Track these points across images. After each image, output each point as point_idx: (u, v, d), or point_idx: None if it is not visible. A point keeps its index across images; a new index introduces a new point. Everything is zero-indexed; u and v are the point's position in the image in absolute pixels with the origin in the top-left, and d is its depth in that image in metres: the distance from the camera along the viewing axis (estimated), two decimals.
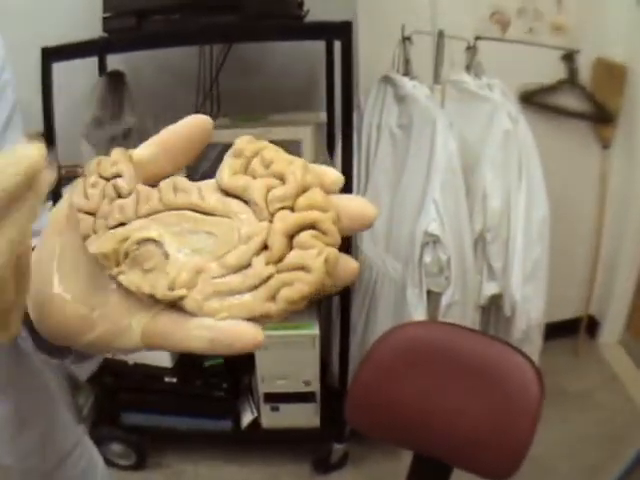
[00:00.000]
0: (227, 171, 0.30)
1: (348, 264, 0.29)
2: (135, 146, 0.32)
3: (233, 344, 0.28)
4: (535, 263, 1.72)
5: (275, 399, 1.82)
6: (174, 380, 1.80)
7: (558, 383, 2.11)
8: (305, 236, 0.28)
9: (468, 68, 1.77)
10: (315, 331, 1.73)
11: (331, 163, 1.69)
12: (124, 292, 0.30)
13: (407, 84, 1.68)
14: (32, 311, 0.35)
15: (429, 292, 1.68)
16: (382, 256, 1.77)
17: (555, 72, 2.11)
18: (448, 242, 1.62)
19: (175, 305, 0.29)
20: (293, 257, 0.28)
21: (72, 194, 0.31)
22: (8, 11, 1.73)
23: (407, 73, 1.73)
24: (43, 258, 0.33)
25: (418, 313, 1.67)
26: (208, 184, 0.30)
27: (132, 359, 1.77)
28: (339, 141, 1.63)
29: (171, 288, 0.28)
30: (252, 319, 0.28)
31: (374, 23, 1.77)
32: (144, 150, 0.31)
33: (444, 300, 1.67)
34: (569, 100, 2.14)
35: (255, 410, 1.87)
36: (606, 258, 2.34)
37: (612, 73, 2.11)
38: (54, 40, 1.45)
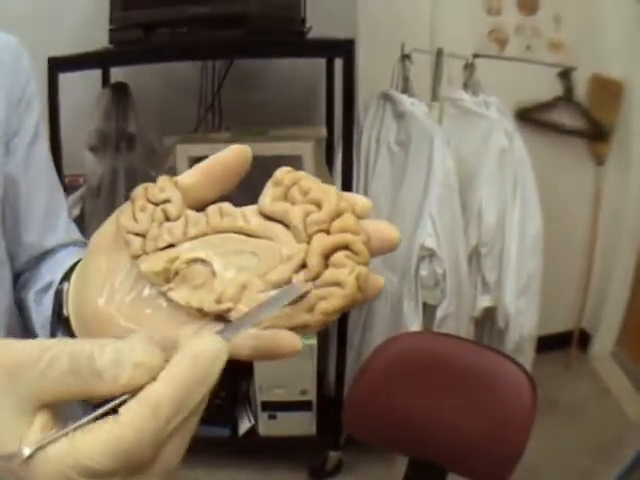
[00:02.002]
0: (269, 198, 0.33)
1: (376, 281, 0.33)
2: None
3: (274, 351, 0.31)
4: (529, 277, 1.76)
5: (272, 407, 1.84)
6: None
7: (550, 395, 2.13)
8: (339, 256, 0.31)
9: (466, 86, 1.80)
10: (313, 341, 1.75)
11: (331, 177, 1.72)
12: (173, 307, 0.33)
13: (406, 101, 1.72)
14: (76, 324, 0.38)
15: (425, 304, 1.72)
16: (379, 269, 1.80)
17: (552, 89, 2.14)
18: (444, 256, 1.65)
19: (221, 318, 0.32)
20: (328, 274, 0.31)
21: (120, 217, 0.34)
22: (14, 21, 1.74)
23: (406, 90, 1.76)
24: (90, 275, 0.36)
25: (414, 325, 1.70)
26: (251, 209, 0.34)
27: None
28: (339, 155, 1.66)
29: (218, 302, 0.32)
30: (291, 329, 0.31)
31: (374, 41, 1.80)
32: (189, 178, 0.35)
33: (439, 312, 1.70)
34: (565, 117, 2.17)
35: (252, 418, 1.89)
36: (599, 272, 2.37)
37: (608, 89, 2.15)
38: (61, 51, 1.48)
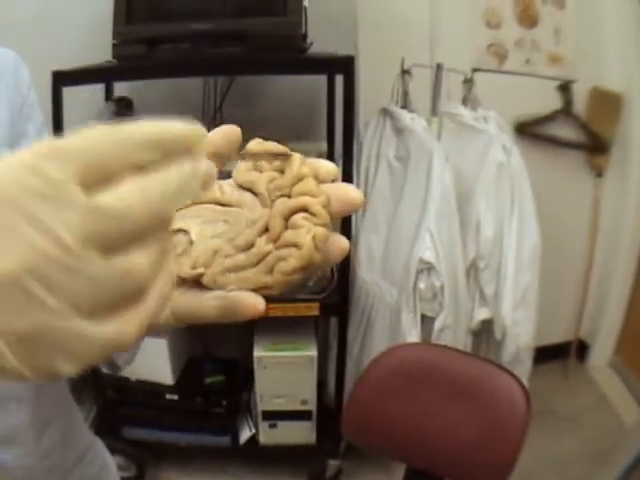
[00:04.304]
0: (241, 169, 0.36)
1: (339, 242, 0.34)
2: None
3: (238, 311, 0.33)
4: (525, 290, 1.77)
5: (273, 417, 1.87)
6: (175, 397, 1.86)
7: (548, 404, 2.15)
8: (296, 218, 0.33)
9: (465, 100, 1.82)
10: (313, 352, 1.78)
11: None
12: None
13: (405, 116, 1.74)
14: None
15: (423, 316, 1.74)
16: (378, 282, 1.83)
17: (551, 102, 2.16)
18: (442, 269, 1.67)
19: (198, 283, 0.35)
20: (287, 236, 0.33)
21: None
22: (18, 35, 1.77)
23: (405, 105, 1.79)
24: None
25: (412, 336, 1.72)
26: (228, 182, 0.37)
27: (134, 376, 1.82)
28: (339, 170, 1.68)
29: (193, 268, 0.34)
30: (255, 290, 0.33)
31: (374, 56, 1.82)
32: None
33: (437, 324, 1.72)
34: (564, 130, 2.19)
35: (253, 427, 1.92)
36: (597, 284, 2.39)
37: (608, 102, 2.16)
38: (64, 65, 1.51)
